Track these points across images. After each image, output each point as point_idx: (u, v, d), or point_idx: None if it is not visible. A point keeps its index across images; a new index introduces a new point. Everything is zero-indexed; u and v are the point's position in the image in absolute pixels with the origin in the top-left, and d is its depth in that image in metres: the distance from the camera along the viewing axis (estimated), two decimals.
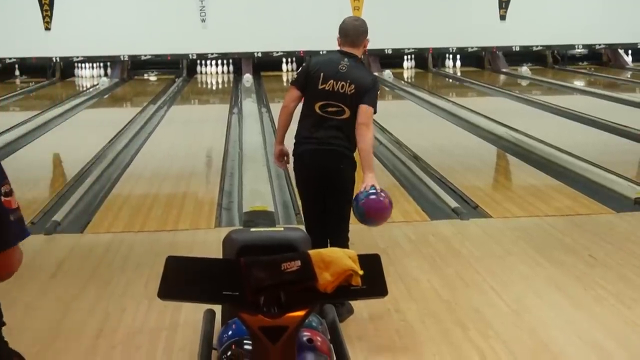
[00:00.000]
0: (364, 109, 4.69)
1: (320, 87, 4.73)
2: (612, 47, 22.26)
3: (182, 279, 2.72)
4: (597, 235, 6.24)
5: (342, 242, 4.71)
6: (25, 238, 2.15)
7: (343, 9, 18.98)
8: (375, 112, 4.76)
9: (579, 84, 18.97)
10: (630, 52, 22.40)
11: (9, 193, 2.11)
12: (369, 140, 4.71)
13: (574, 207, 7.18)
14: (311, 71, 4.79)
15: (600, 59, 22.60)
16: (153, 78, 21.08)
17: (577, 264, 5.56)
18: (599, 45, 22.17)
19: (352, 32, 4.80)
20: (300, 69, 5.03)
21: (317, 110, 4.73)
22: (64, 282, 5.36)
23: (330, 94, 4.70)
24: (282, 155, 5.04)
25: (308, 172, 4.83)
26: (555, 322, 4.55)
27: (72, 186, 8.33)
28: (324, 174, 4.75)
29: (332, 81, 4.70)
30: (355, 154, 4.79)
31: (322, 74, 4.73)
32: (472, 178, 8.48)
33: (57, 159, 10.78)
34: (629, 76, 20.10)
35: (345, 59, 4.75)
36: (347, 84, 4.68)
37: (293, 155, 4.91)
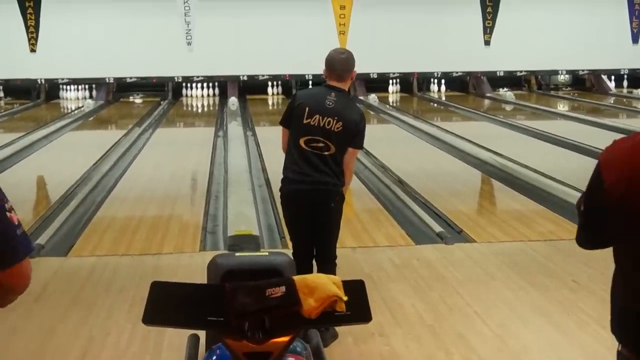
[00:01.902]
0: (352, 153, 4.73)
1: (305, 121, 4.67)
2: (595, 73, 22.46)
3: (166, 304, 2.72)
4: (580, 260, 6.26)
5: (331, 269, 4.75)
6: (31, 252, 2.24)
7: (329, 33, 19.07)
8: (362, 149, 4.83)
9: (562, 109, 19.11)
10: (613, 77, 22.63)
11: (12, 209, 2.21)
12: (348, 182, 4.82)
13: (557, 231, 7.22)
14: (296, 105, 4.75)
15: (583, 85, 22.79)
16: (138, 100, 21.08)
17: (561, 288, 5.58)
18: (582, 70, 22.37)
19: (339, 66, 4.72)
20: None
21: (303, 145, 4.68)
22: (47, 306, 5.34)
23: (316, 129, 4.65)
24: None
25: (298, 211, 4.80)
26: (538, 347, 4.57)
27: (57, 209, 8.31)
28: (315, 214, 4.74)
29: (317, 116, 4.64)
30: None
31: (307, 108, 4.68)
32: (456, 203, 8.52)
33: (41, 181, 10.74)
34: (612, 102, 20.28)
35: (332, 94, 4.70)
36: (334, 121, 4.63)
37: (281, 192, 4.88)
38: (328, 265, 4.77)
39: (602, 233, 2.30)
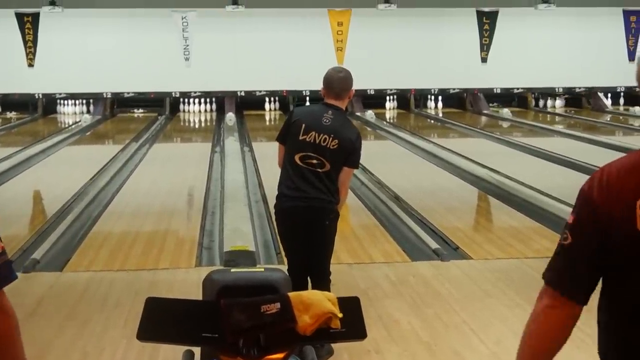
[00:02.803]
0: (348, 172, 4.74)
1: (301, 137, 4.67)
2: (592, 91, 22.53)
3: (161, 320, 2.72)
4: None
5: (325, 285, 4.72)
6: (12, 282, 2.13)
7: (326, 49, 19.17)
8: (357, 167, 4.86)
9: (559, 126, 19.15)
10: (609, 95, 22.70)
11: None
12: (343, 200, 4.80)
13: (554, 248, 7.18)
14: (292, 122, 4.75)
15: (580, 102, 22.86)
16: (140, 115, 21.10)
17: None
18: (579, 88, 22.44)
19: (337, 84, 4.73)
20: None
21: (298, 161, 4.67)
22: (42, 321, 5.32)
23: (311, 145, 4.64)
24: None
25: (292, 227, 4.78)
26: None
27: (52, 223, 8.29)
28: (309, 231, 4.72)
29: (314, 133, 4.64)
30: None
31: (303, 125, 4.68)
32: (452, 219, 8.52)
33: (38, 196, 10.73)
34: (608, 119, 20.33)
35: (330, 111, 4.70)
36: (330, 139, 4.63)
37: (275, 208, 4.89)
38: (322, 282, 4.75)
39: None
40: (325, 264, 4.85)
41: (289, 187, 4.72)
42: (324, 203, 4.68)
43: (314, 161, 4.65)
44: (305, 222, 4.71)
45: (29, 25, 19.31)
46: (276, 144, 4.89)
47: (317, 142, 4.64)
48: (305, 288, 4.65)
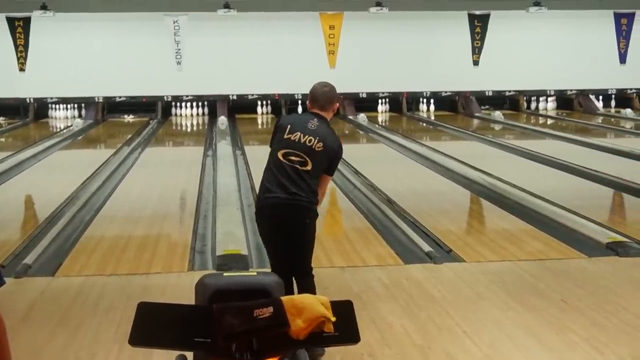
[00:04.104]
0: (326, 178, 4.92)
1: (286, 136, 4.82)
2: (584, 93, 22.60)
3: (153, 325, 2.71)
4: (569, 280, 6.27)
5: (309, 281, 4.86)
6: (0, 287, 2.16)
7: (318, 52, 19.16)
8: (332, 176, 5.05)
9: (551, 129, 19.18)
10: (601, 97, 22.77)
11: None
12: (319, 202, 4.95)
13: (546, 251, 7.22)
14: (278, 125, 4.92)
15: (571, 104, 22.91)
16: (131, 119, 21.07)
17: (550, 308, 5.58)
18: (571, 90, 22.51)
19: (321, 98, 4.94)
20: None
21: (281, 158, 4.79)
22: (34, 326, 5.30)
23: (295, 143, 4.79)
24: None
25: (273, 226, 4.87)
26: None
27: (44, 228, 8.26)
28: (289, 229, 4.81)
29: (299, 133, 4.80)
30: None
31: (289, 126, 4.85)
32: (445, 222, 8.52)
33: (29, 201, 10.70)
34: (599, 121, 20.37)
35: (315, 119, 4.90)
36: (316, 141, 4.79)
37: (256, 207, 4.97)
38: (305, 279, 4.88)
39: None
40: (306, 261, 4.94)
41: (269, 181, 4.82)
42: (303, 201, 4.76)
43: (297, 159, 4.77)
44: (285, 219, 4.79)
45: (20, 29, 19.24)
46: (268, 148, 4.96)
47: (302, 142, 4.79)
48: (291, 287, 4.80)
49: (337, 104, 5.03)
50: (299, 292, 4.80)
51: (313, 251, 4.99)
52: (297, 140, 4.78)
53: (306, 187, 4.76)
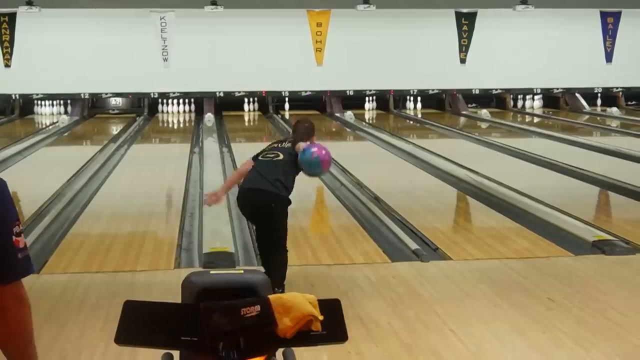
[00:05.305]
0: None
1: (264, 149, 6.01)
2: (570, 92, 22.67)
3: (139, 324, 2.69)
4: (556, 278, 6.28)
5: (279, 255, 5.73)
6: (29, 275, 2.48)
7: (305, 49, 19.13)
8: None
9: (537, 127, 19.25)
10: (587, 96, 22.85)
11: (19, 233, 2.34)
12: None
13: (533, 249, 7.23)
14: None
15: (557, 103, 22.99)
16: (113, 117, 21.00)
17: (536, 306, 5.59)
18: (557, 89, 22.58)
19: (302, 130, 6.02)
20: None
21: (259, 158, 5.87)
22: None
23: (272, 148, 5.95)
24: (215, 197, 6.02)
25: (247, 209, 5.87)
26: None
27: (30, 225, 8.21)
28: (260, 212, 5.75)
29: (275, 144, 6.02)
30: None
31: (267, 145, 6.05)
32: (432, 220, 8.53)
33: (15, 197, 10.53)
34: (585, 120, 20.45)
35: (290, 143, 5.96)
36: (287, 143, 5.98)
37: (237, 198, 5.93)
38: (277, 252, 5.72)
39: None
40: (276, 235, 5.73)
41: (246, 176, 5.84)
42: (273, 188, 5.63)
43: (272, 155, 5.83)
44: (254, 205, 5.73)
45: (5, 25, 19.12)
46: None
47: (278, 147, 5.95)
48: (269, 262, 5.71)
49: (314, 138, 6.00)
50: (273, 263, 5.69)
51: (285, 230, 5.78)
52: (273, 148, 5.96)
53: (282, 173, 5.70)
